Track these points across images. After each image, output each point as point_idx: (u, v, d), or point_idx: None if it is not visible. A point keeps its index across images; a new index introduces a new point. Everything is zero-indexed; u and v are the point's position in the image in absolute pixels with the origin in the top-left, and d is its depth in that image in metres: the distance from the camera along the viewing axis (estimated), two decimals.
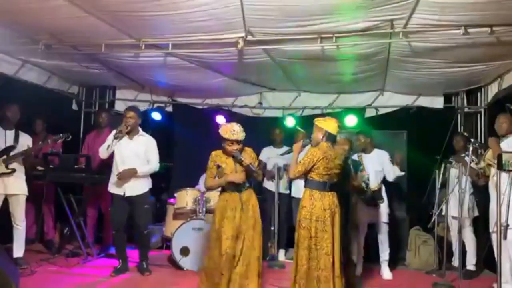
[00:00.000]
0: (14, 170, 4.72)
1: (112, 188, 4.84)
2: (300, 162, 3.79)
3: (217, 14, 3.79)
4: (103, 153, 4.79)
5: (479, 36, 3.86)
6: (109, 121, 6.06)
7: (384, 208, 5.16)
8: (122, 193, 4.76)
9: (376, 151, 5.31)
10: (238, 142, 4.00)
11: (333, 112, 6.66)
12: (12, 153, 4.73)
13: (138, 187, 4.82)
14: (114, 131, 4.80)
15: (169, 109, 7.27)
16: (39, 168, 5.34)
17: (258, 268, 3.99)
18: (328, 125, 3.83)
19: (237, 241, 3.94)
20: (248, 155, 4.10)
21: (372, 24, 3.89)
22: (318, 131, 3.85)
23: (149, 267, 4.96)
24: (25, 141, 4.90)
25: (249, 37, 4.22)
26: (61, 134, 5.00)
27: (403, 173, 5.30)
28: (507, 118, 4.36)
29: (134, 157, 4.78)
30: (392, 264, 5.33)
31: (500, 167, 3.45)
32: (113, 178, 4.83)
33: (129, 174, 4.72)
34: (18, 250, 4.80)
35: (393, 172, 5.19)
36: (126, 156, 4.76)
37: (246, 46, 4.28)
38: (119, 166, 4.76)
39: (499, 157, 3.48)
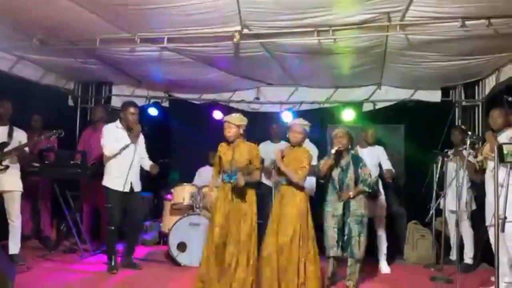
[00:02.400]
0: (7, 167, 4.68)
1: (115, 184, 4.70)
2: (304, 167, 4.01)
3: (213, 7, 3.75)
4: (113, 151, 4.69)
5: (477, 28, 3.83)
6: (105, 117, 6.02)
7: (381, 202, 5.17)
8: (126, 189, 4.68)
9: (371, 146, 5.34)
10: (233, 126, 4.11)
11: (331, 107, 6.65)
12: (6, 150, 4.68)
13: (139, 182, 4.91)
14: (120, 130, 4.76)
15: (166, 104, 7.25)
16: (35, 164, 5.32)
17: (250, 262, 3.96)
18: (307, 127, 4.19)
19: (226, 230, 3.96)
20: (246, 150, 4.09)
21: (369, 17, 3.86)
22: (300, 134, 4.12)
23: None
24: (20, 137, 4.83)
25: (245, 31, 4.19)
26: (54, 131, 4.95)
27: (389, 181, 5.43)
28: (501, 113, 4.34)
29: (138, 153, 4.79)
30: (390, 258, 5.33)
31: (502, 158, 3.42)
32: (116, 174, 4.71)
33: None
34: (14, 246, 4.74)
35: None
36: (134, 153, 4.73)
37: (242, 39, 4.25)
38: (129, 163, 4.69)
39: (500, 149, 3.45)
